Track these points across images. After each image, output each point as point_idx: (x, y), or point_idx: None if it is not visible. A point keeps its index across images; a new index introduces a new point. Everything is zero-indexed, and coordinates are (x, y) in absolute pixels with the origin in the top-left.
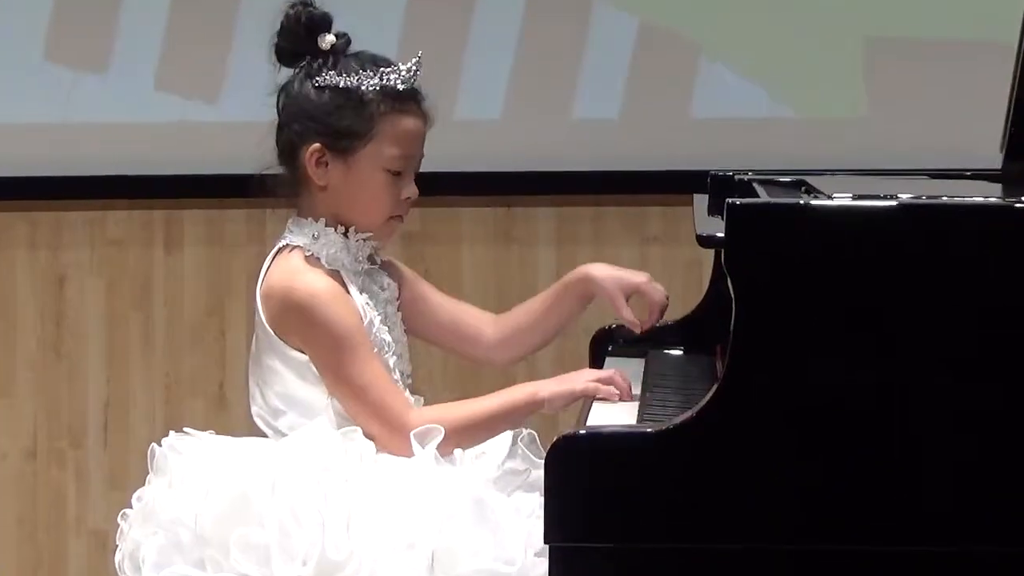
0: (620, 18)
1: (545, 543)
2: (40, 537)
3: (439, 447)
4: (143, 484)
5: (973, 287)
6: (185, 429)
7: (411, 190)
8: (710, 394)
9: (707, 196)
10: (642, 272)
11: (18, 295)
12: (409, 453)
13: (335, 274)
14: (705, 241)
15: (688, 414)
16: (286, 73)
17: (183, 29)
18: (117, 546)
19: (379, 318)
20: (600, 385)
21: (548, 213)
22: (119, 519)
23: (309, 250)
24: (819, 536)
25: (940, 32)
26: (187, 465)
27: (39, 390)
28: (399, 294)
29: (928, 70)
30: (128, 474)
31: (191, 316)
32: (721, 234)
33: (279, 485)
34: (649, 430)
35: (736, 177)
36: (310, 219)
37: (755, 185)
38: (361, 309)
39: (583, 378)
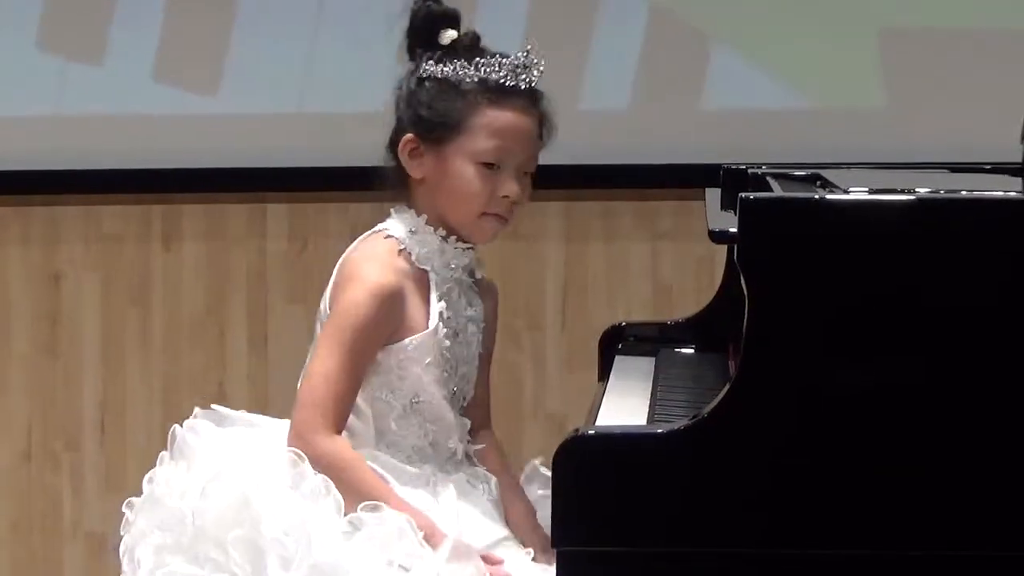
0: (629, 5)
1: (552, 548)
2: (35, 541)
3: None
4: (140, 486)
5: (994, 284)
6: (213, 407)
7: (509, 188)
8: (722, 394)
9: (719, 190)
10: None
11: (11, 293)
12: (297, 458)
13: (422, 274)
14: (717, 237)
15: (699, 415)
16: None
17: (182, 17)
18: (122, 537)
19: (451, 332)
20: None
21: (556, 208)
22: (123, 508)
23: (403, 244)
24: (836, 541)
25: (959, 21)
26: (203, 450)
27: (33, 390)
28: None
29: (947, 60)
30: (125, 476)
31: (190, 313)
32: (734, 229)
33: (277, 488)
34: (660, 431)
35: (749, 171)
36: (412, 212)
37: (769, 179)
38: (432, 316)
39: (475, 568)
